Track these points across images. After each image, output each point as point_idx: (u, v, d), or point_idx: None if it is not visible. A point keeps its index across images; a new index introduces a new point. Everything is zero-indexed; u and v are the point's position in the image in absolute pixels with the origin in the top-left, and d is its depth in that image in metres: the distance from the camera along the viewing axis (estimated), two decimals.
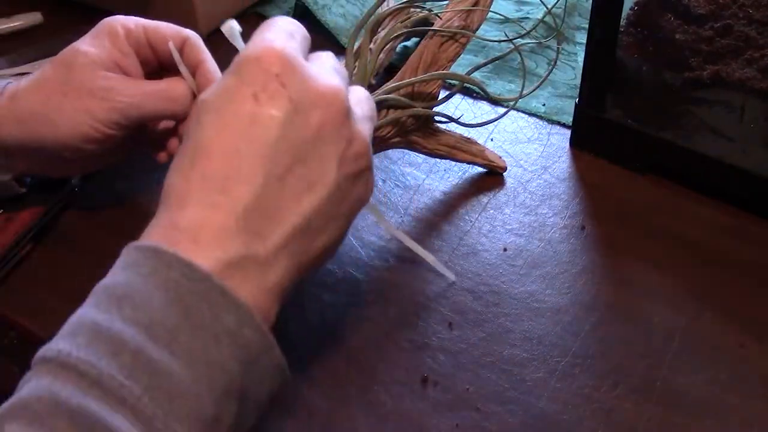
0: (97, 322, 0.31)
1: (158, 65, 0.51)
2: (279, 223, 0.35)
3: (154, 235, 0.34)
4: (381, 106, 0.52)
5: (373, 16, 0.54)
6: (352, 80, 0.51)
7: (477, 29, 0.57)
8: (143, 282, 0.32)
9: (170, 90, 0.48)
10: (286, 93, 0.35)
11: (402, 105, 0.52)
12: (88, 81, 0.46)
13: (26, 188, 0.52)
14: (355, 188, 0.38)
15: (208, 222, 0.33)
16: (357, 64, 0.52)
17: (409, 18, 0.57)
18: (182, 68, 0.48)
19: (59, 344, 0.31)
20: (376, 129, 0.52)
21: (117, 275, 0.33)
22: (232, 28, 0.44)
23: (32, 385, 0.30)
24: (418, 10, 0.58)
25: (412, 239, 0.50)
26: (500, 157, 0.60)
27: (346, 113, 0.37)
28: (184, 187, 0.34)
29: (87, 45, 0.48)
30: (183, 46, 0.49)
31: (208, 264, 0.32)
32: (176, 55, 0.48)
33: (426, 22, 0.58)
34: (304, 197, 0.35)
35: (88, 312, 0.32)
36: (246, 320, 0.32)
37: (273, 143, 0.34)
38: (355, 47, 0.52)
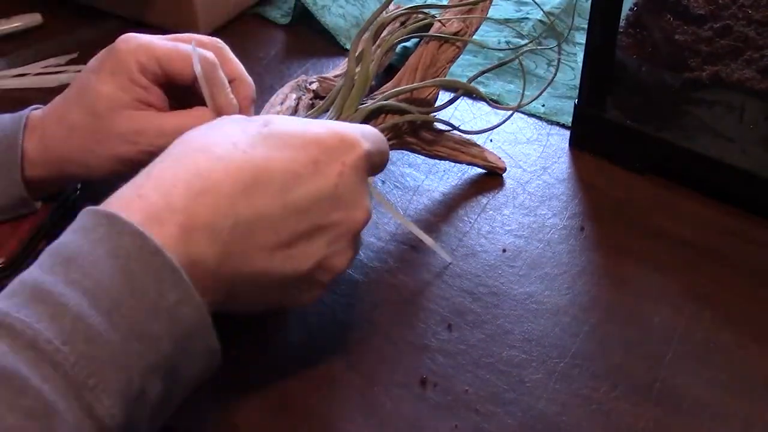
0: (40, 282, 0.31)
1: (182, 93, 0.49)
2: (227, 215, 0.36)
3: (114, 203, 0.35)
4: (380, 111, 0.52)
5: (376, 21, 0.54)
6: (353, 82, 0.51)
7: (474, 33, 0.57)
8: (92, 246, 0.32)
9: (198, 122, 0.45)
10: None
11: (401, 111, 0.52)
12: (116, 126, 0.47)
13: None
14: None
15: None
16: (359, 68, 0.52)
17: (411, 22, 0.57)
18: (208, 100, 0.47)
19: None
20: None
21: (67, 237, 0.33)
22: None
23: None
24: (421, 16, 0.58)
25: (410, 232, 0.50)
26: (499, 158, 0.60)
27: None
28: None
29: (107, 87, 0.47)
30: (205, 62, 0.47)
31: (161, 239, 0.33)
32: (203, 84, 0.47)
33: (428, 26, 0.59)
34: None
35: (32, 272, 0.32)
36: (187, 299, 0.33)
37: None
38: (357, 51, 0.52)
